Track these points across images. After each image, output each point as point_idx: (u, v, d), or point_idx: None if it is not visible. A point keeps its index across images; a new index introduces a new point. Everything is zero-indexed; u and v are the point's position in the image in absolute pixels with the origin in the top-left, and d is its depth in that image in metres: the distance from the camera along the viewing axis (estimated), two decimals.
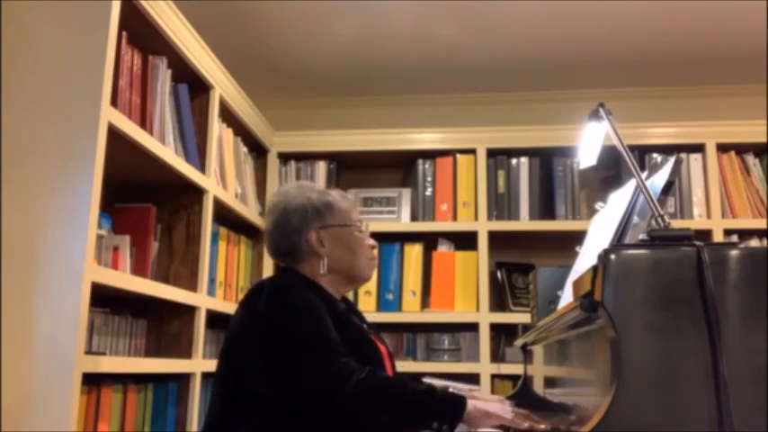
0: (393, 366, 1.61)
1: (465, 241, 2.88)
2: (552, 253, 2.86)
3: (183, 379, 2.06)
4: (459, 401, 1.34)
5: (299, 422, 1.35)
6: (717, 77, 3.08)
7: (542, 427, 1.32)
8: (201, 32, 2.16)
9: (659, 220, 1.10)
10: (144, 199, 2.08)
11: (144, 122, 1.85)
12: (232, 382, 1.42)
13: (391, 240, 2.93)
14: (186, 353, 2.08)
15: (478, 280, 2.81)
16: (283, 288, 1.46)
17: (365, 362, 1.39)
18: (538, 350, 1.88)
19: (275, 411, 1.36)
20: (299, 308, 1.40)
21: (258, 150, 2.96)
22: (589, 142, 1.64)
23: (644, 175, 1.26)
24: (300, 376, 1.34)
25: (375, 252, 1.66)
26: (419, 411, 1.34)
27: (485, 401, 1.43)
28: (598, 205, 1.67)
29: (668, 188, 1.23)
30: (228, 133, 2.56)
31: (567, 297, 1.57)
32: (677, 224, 1.18)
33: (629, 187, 1.38)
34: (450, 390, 1.44)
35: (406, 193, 3.03)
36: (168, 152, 1.95)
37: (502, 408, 1.37)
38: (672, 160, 1.28)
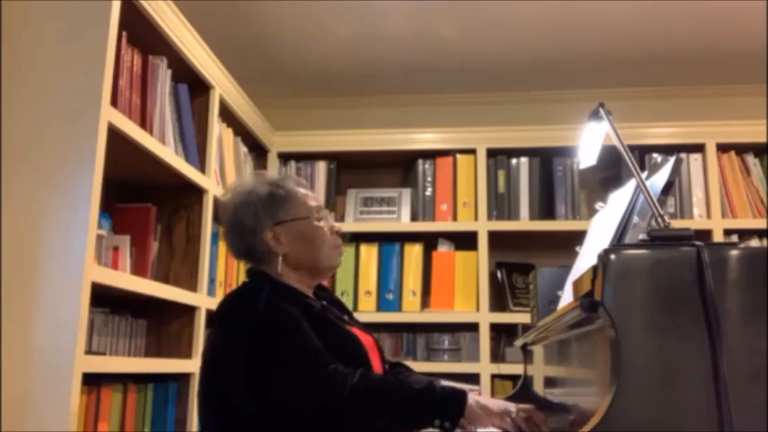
0: (381, 357, 1.56)
1: (465, 241, 2.88)
2: (552, 253, 2.86)
3: (183, 379, 2.06)
4: (460, 397, 1.29)
5: None
6: (717, 77, 3.08)
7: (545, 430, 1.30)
8: (201, 32, 2.16)
9: (659, 220, 1.10)
10: (144, 199, 2.08)
11: (144, 122, 1.85)
12: (218, 401, 1.36)
13: (391, 240, 2.93)
14: (186, 353, 2.08)
15: (478, 280, 2.81)
16: (254, 302, 1.38)
17: (349, 360, 1.34)
18: (538, 350, 1.88)
19: (267, 428, 1.31)
20: (274, 321, 1.33)
21: (258, 150, 2.96)
22: (589, 142, 1.64)
23: (644, 175, 1.26)
24: (291, 392, 1.29)
25: (339, 239, 1.55)
26: (419, 410, 1.28)
27: (487, 398, 1.37)
28: (598, 205, 1.67)
29: (668, 188, 1.23)
30: (228, 133, 2.56)
31: (567, 297, 1.57)
32: (677, 224, 1.18)
33: (629, 187, 1.38)
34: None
35: (406, 193, 3.03)
36: (168, 152, 1.95)
37: (504, 406, 1.31)
38: (672, 160, 1.29)
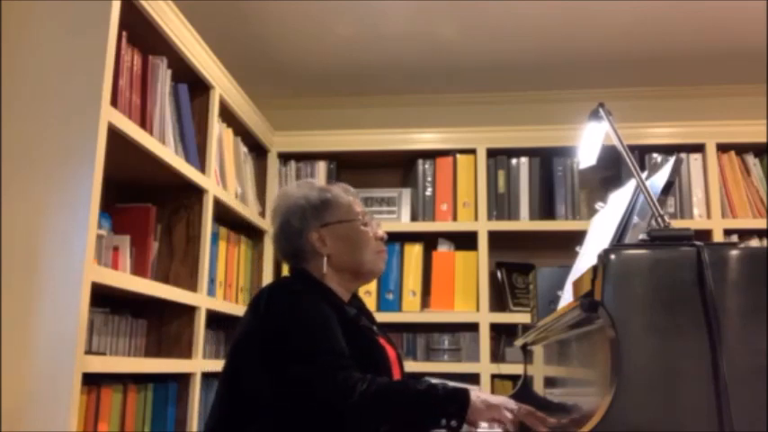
0: (401, 371, 1.59)
1: (465, 241, 2.88)
2: (552, 253, 2.86)
3: (183, 379, 2.06)
4: (463, 394, 1.31)
5: (300, 425, 1.33)
6: (717, 77, 3.08)
7: (552, 420, 1.31)
8: (201, 32, 2.15)
9: (659, 220, 1.10)
10: (144, 199, 2.07)
11: (144, 122, 1.85)
12: (234, 384, 1.41)
13: (391, 240, 2.89)
14: (186, 353, 2.08)
15: (478, 280, 2.81)
16: (291, 294, 1.43)
17: (375, 368, 1.37)
18: (538, 350, 1.88)
19: (276, 414, 1.34)
20: (305, 317, 1.38)
21: (258, 150, 2.96)
22: (589, 142, 1.64)
23: (644, 175, 1.26)
24: (305, 387, 1.32)
25: (383, 245, 1.60)
26: (425, 411, 1.31)
27: (488, 393, 1.40)
28: (598, 205, 1.67)
29: (668, 188, 1.23)
30: (228, 133, 2.56)
31: (567, 297, 1.57)
32: (677, 224, 1.18)
33: (629, 187, 1.38)
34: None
35: (406, 193, 3.03)
36: (168, 152, 1.95)
37: (505, 401, 1.34)
38: (672, 160, 1.29)
